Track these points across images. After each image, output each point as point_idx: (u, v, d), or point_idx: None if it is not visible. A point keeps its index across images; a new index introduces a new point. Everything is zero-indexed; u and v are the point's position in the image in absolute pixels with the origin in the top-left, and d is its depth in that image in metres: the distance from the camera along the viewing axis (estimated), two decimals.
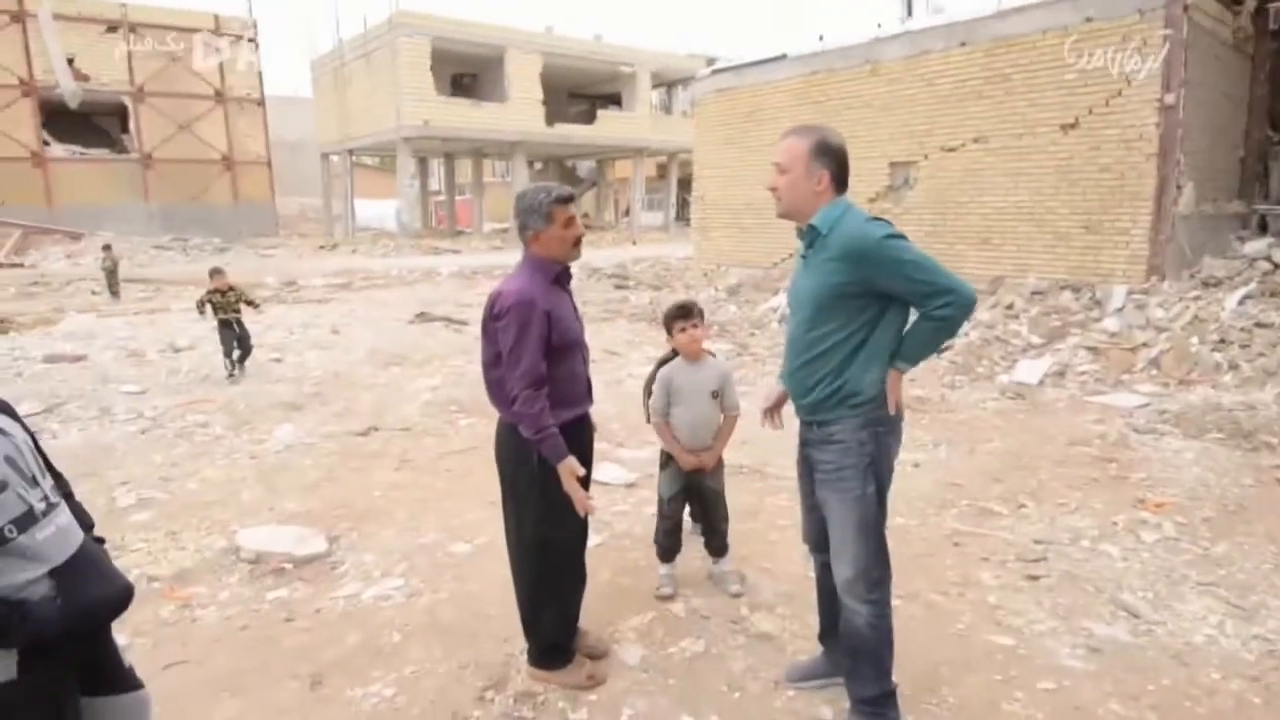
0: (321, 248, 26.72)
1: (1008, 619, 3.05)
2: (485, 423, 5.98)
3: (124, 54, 27.49)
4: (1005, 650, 2.82)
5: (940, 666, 2.71)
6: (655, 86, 34.31)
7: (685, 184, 37.66)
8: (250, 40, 30.26)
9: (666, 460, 3.23)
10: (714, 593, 3.25)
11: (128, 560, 3.59)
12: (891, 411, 2.18)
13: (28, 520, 1.46)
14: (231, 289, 7.49)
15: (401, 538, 3.91)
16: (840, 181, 2.20)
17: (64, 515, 1.57)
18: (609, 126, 31.07)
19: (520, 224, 2.47)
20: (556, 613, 2.59)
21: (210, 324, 7.61)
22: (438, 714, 2.46)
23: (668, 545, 3.24)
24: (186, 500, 4.43)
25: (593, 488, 4.38)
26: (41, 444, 1.66)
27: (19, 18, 25.53)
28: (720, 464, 3.25)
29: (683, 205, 40.75)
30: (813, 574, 2.61)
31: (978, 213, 9.91)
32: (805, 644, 2.83)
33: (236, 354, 7.44)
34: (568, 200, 2.45)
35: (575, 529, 2.55)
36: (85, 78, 26.69)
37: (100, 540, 1.71)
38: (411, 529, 4.02)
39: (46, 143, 27.06)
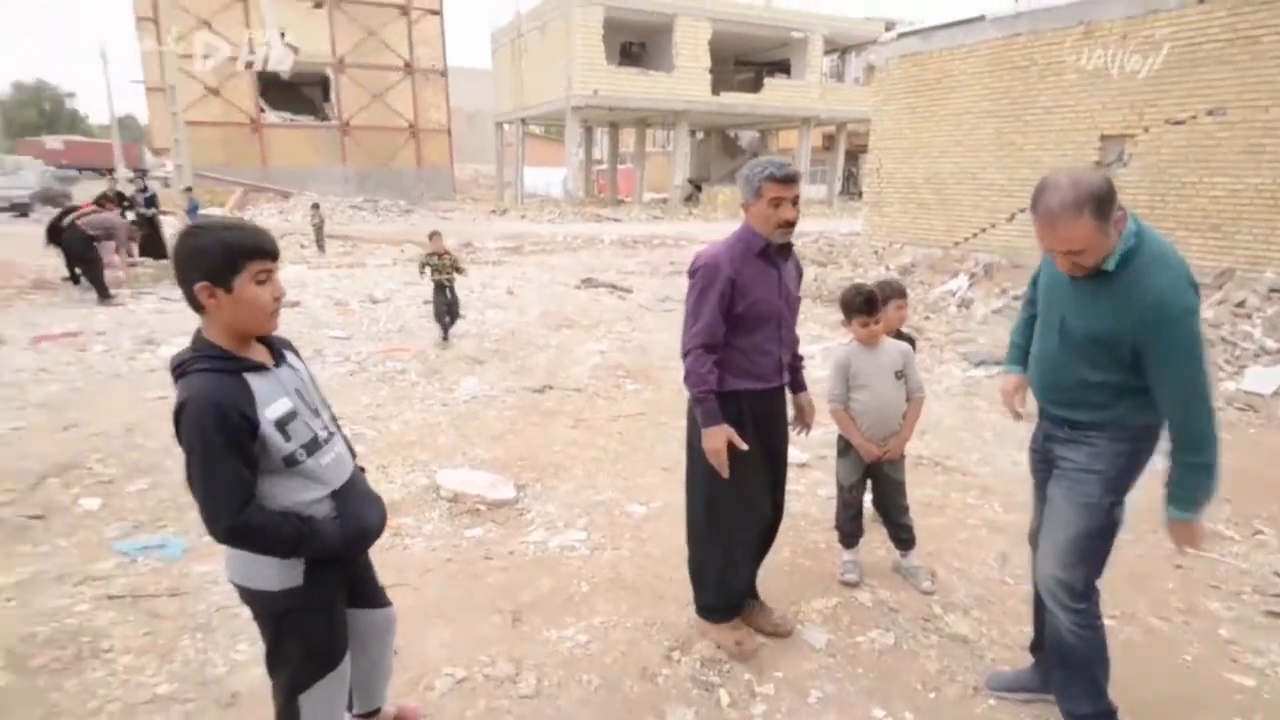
0: (493, 212, 28.22)
1: (1245, 657, 2.71)
2: (651, 389, 6.09)
3: (326, 29, 30.13)
4: (1246, 691, 2.51)
5: (1168, 699, 2.45)
6: (827, 53, 32.87)
7: (854, 156, 36.11)
8: (435, 14, 32.13)
9: (845, 447, 3.10)
10: (901, 586, 3.13)
11: None
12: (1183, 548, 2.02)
13: (313, 446, 1.66)
14: (447, 253, 7.54)
15: (580, 493, 4.07)
16: (1117, 205, 1.86)
17: (340, 444, 1.77)
18: (776, 95, 30.21)
19: (741, 191, 2.46)
20: (717, 574, 2.61)
21: (421, 283, 7.74)
22: (628, 665, 2.55)
23: (850, 531, 3.15)
24: (391, 439, 4.85)
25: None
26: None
27: None
28: (901, 453, 3.09)
29: (849, 179, 39.06)
30: (1031, 581, 2.43)
31: (1206, 195, 8.71)
32: (1004, 653, 2.67)
33: (448, 318, 7.51)
34: (782, 180, 2.37)
35: (742, 494, 2.48)
36: (294, 50, 29.54)
37: (362, 469, 1.90)
38: (589, 486, 4.18)
39: (262, 109, 30.34)
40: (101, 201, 11.48)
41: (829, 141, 36.14)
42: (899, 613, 2.92)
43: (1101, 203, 1.79)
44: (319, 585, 1.69)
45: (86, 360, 6.67)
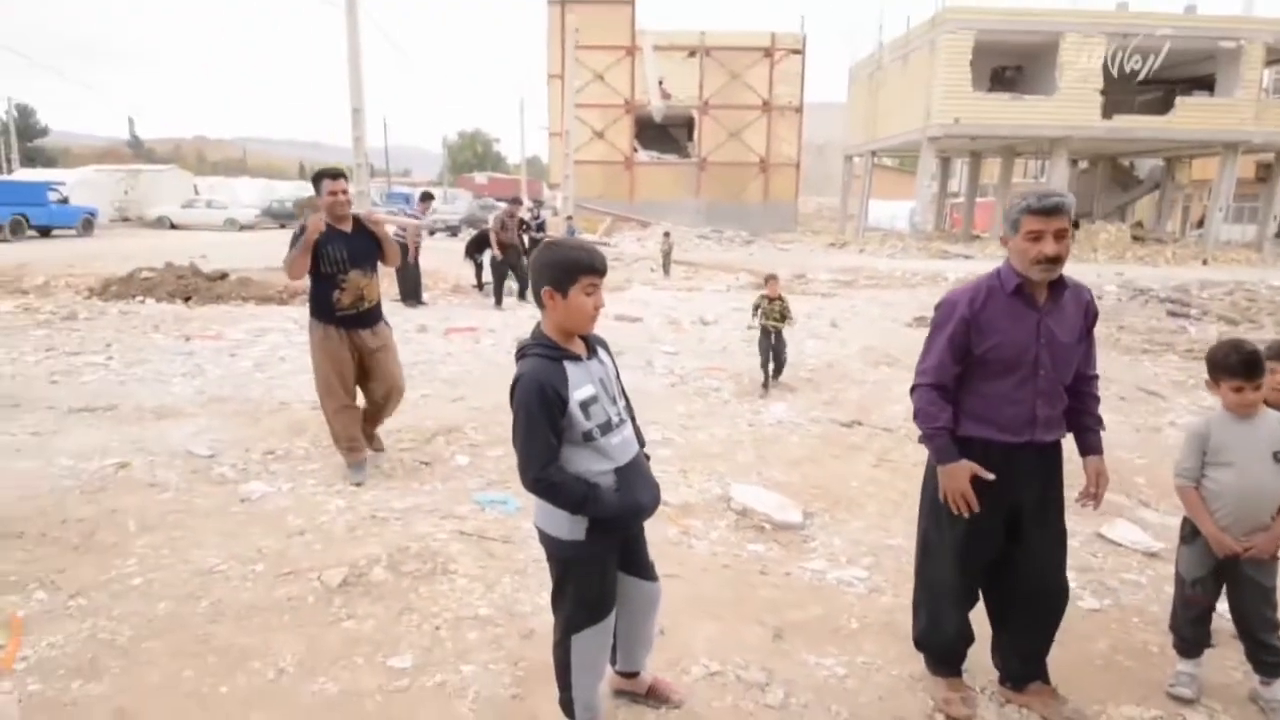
0: (832, 245, 28.17)
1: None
2: None
3: (696, 75, 33.05)
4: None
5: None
6: (1270, 63, 26.61)
7: None
8: (797, 53, 33.25)
9: (1193, 533, 2.53)
10: (1254, 717, 2.47)
11: None
12: None
13: (607, 427, 1.96)
14: (779, 298, 7.20)
15: (870, 533, 3.94)
16: None
17: (628, 429, 2.05)
18: (1189, 116, 25.30)
19: (1002, 225, 2.27)
20: (926, 616, 2.52)
21: (752, 324, 7.33)
22: (883, 711, 2.43)
23: (1189, 637, 2.56)
24: (696, 448, 5.21)
25: (1103, 546, 3.79)
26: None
27: (631, 51, 32.79)
28: (1276, 553, 2.43)
29: None
30: None
31: None
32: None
33: (772, 366, 7.09)
34: (1041, 212, 2.11)
35: (954, 536, 2.36)
36: (668, 96, 32.93)
37: (647, 456, 2.17)
38: (881, 527, 4.01)
39: (635, 149, 34.37)
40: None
41: (1263, 171, 29.11)
42: None
43: None
44: (597, 543, 1.99)
45: (479, 350, 8.32)
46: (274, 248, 21.19)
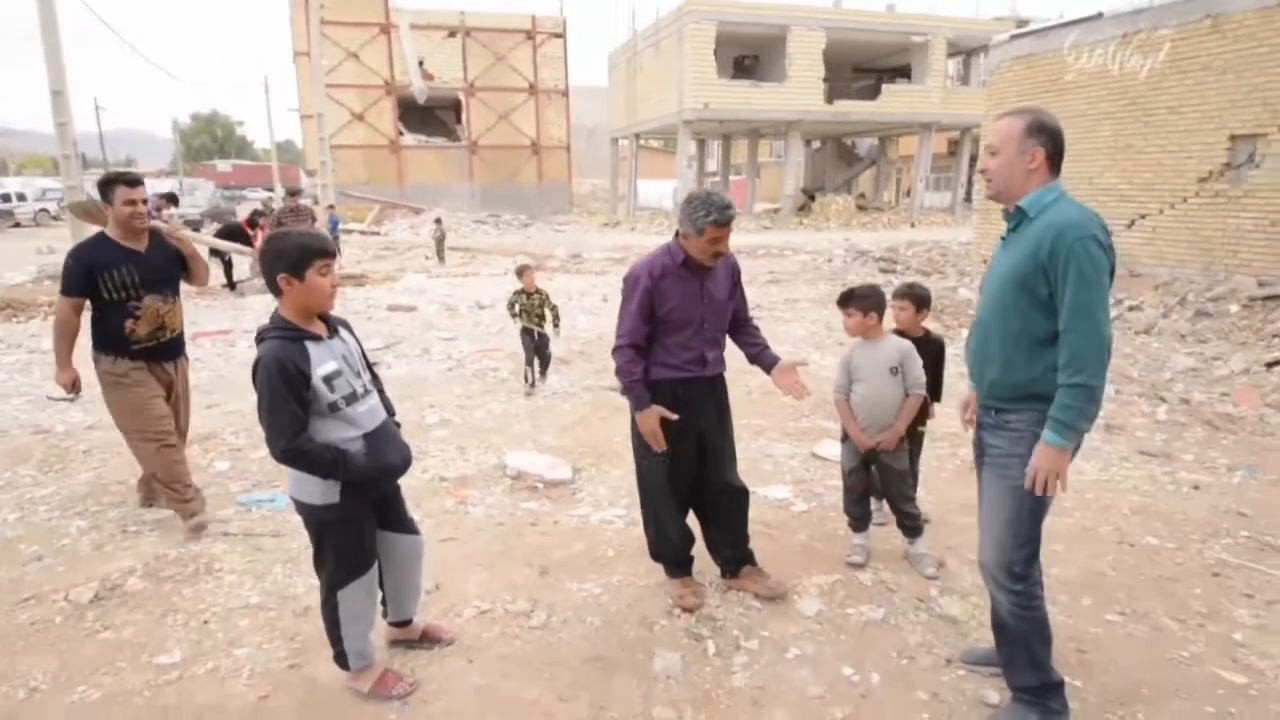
0: (605, 225, 29.24)
1: (1248, 658, 2.69)
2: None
3: (459, 56, 32.36)
4: (1231, 687, 2.52)
5: (1142, 687, 2.52)
6: (951, 55, 31.75)
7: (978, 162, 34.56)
8: (558, 37, 33.74)
9: (845, 434, 3.32)
10: (907, 571, 3.29)
11: (427, 463, 4.59)
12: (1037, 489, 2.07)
13: (352, 398, 2.17)
14: (538, 291, 6.55)
15: (629, 478, 4.43)
16: (1055, 163, 2.14)
17: (374, 399, 2.28)
18: (894, 101, 29.48)
19: (681, 224, 2.78)
20: (654, 531, 3.03)
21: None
22: (631, 615, 2.91)
23: (856, 514, 3.35)
24: (474, 425, 5.44)
25: (814, 462, 4.60)
26: (378, 372, 2.42)
27: (385, 29, 31.30)
28: (903, 442, 3.23)
29: (973, 185, 37.36)
30: None
31: None
32: (989, 634, 2.79)
33: (538, 364, 6.59)
34: (724, 224, 2.67)
35: (660, 463, 2.89)
36: (431, 77, 31.92)
37: (397, 424, 2.40)
38: None
39: (401, 133, 32.97)
40: (254, 219, 12.98)
41: (954, 147, 34.77)
42: (895, 593, 3.10)
43: (1034, 124, 2.11)
44: (351, 504, 2.20)
45: (234, 353, 7.79)
46: None
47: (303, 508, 2.20)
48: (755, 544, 3.37)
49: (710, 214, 2.66)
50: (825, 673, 2.59)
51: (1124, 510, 4.00)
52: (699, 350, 2.85)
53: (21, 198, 29.76)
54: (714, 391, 2.97)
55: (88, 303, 3.43)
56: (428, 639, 2.62)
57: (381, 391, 2.38)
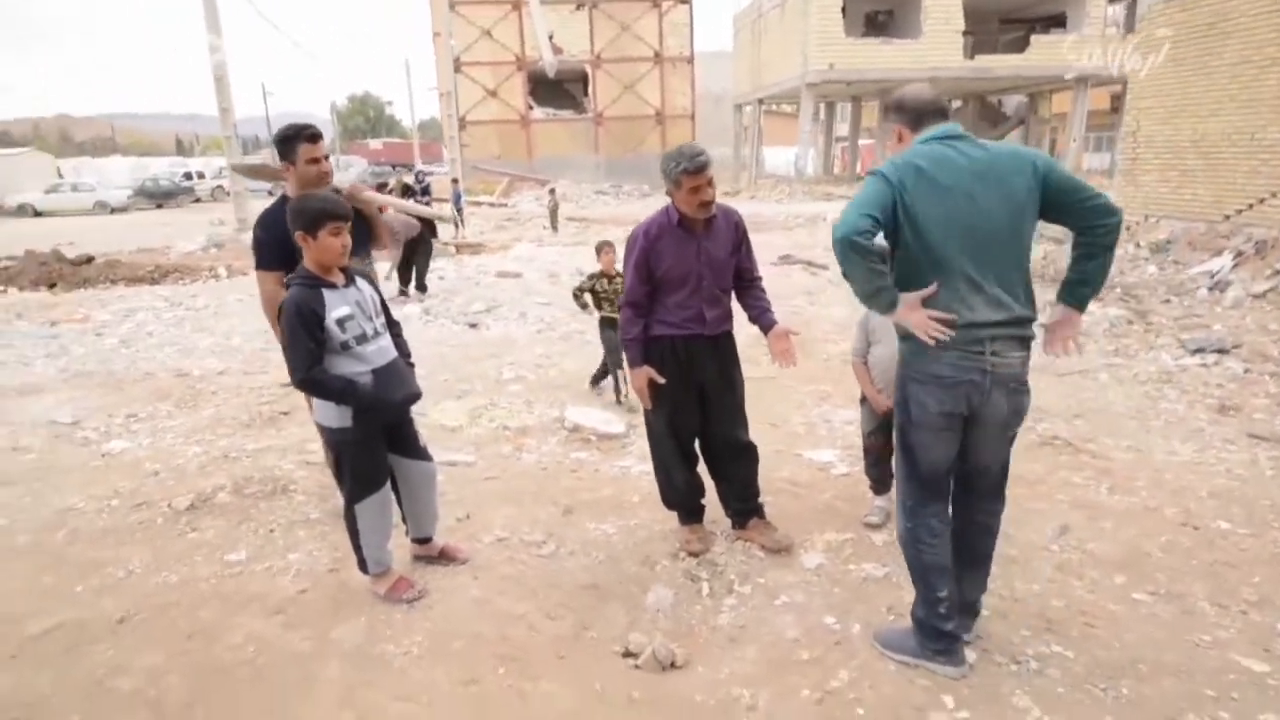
0: (726, 193, 28.98)
1: None
2: (809, 362, 6.32)
3: (586, 27, 32.86)
4: (1247, 674, 2.36)
5: (1140, 664, 2.41)
6: (1113, 1, 28.59)
7: None
8: (684, 2, 33.45)
9: (864, 396, 3.30)
10: None
11: (495, 414, 4.95)
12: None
13: (362, 339, 2.48)
14: (619, 275, 4.78)
15: None
16: (916, 125, 2.21)
17: (385, 340, 2.59)
18: (1043, 54, 27.02)
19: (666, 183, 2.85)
20: (662, 477, 3.19)
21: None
22: (636, 554, 3.10)
23: (875, 476, 3.34)
24: (546, 382, 5.77)
25: (841, 426, 4.56)
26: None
27: (517, 6, 32.26)
28: None
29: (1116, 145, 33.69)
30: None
31: None
32: (988, 599, 2.75)
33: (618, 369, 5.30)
34: (695, 171, 2.72)
35: (663, 415, 3.03)
36: (560, 50, 32.65)
37: (411, 364, 2.70)
38: None
39: (531, 107, 34.06)
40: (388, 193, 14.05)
41: (1116, 103, 31.47)
42: None
43: (892, 106, 2.26)
44: (362, 428, 2.52)
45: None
46: (147, 230, 20.23)
47: (323, 430, 2.56)
48: (779, 501, 3.47)
49: (680, 164, 2.73)
50: (807, 620, 2.66)
51: (1201, 493, 3.71)
52: (697, 308, 2.93)
53: (201, 176, 33.67)
54: (717, 349, 3.03)
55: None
56: (445, 556, 2.95)
57: (398, 336, 2.69)
